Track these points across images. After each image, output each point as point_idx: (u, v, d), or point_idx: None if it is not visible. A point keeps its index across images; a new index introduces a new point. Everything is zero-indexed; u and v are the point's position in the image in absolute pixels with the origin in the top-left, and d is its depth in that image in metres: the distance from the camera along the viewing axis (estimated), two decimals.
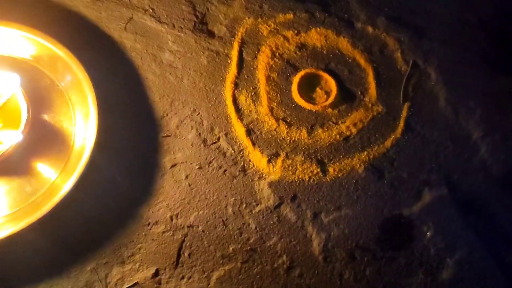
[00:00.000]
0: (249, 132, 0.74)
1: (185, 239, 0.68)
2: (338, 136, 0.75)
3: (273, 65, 0.78)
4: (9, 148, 0.63)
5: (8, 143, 0.63)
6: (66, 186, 0.64)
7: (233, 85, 0.76)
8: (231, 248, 0.69)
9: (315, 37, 0.80)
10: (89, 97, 0.69)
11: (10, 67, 0.71)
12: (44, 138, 0.70)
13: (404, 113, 0.77)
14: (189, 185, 0.71)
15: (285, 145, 0.74)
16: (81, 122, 0.70)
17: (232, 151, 0.73)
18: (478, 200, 0.74)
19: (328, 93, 0.77)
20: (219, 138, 0.73)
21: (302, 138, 0.75)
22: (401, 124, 0.77)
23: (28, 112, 0.65)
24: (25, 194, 0.67)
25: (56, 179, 0.67)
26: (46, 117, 0.71)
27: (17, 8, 0.76)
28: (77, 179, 0.64)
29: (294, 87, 0.77)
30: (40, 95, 0.71)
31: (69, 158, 0.69)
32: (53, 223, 0.65)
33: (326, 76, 0.78)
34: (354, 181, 0.73)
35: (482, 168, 0.75)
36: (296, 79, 0.77)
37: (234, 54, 0.78)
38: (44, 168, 0.68)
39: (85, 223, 0.67)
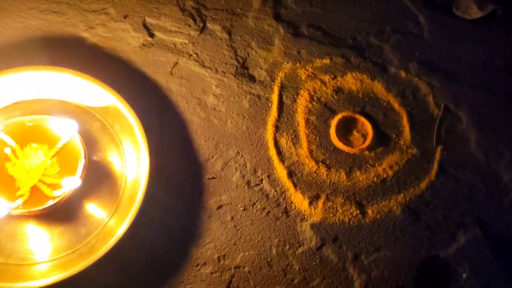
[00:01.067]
0: (290, 174, 0.77)
1: (232, 280, 0.71)
2: (375, 179, 0.78)
3: (312, 109, 0.82)
4: (68, 193, 0.66)
5: (67, 188, 0.66)
6: (120, 229, 0.67)
7: (274, 128, 0.80)
8: None
9: (351, 81, 0.84)
10: (140, 141, 0.72)
11: (63, 112, 0.74)
12: (96, 180, 0.72)
13: (437, 156, 0.81)
14: (235, 226, 0.74)
15: (325, 187, 0.77)
16: (132, 165, 0.73)
17: (275, 193, 0.76)
18: (510, 241, 0.77)
19: (364, 136, 0.81)
20: (262, 180, 0.76)
21: (341, 180, 0.78)
22: (435, 166, 0.80)
23: (85, 158, 0.68)
24: (79, 236, 0.69)
25: (109, 221, 0.70)
26: (97, 159, 0.74)
27: (70, 54, 0.79)
28: (131, 223, 0.67)
29: (332, 130, 0.80)
30: (92, 138, 0.75)
31: (121, 200, 0.72)
32: (106, 265, 0.68)
33: (362, 119, 0.81)
34: (392, 222, 0.76)
35: None
36: (334, 122, 0.80)
37: (275, 97, 0.81)
38: (97, 210, 0.71)
39: (136, 264, 0.70)
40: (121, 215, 0.70)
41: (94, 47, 0.81)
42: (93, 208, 0.71)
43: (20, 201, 0.66)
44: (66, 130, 0.69)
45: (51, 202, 0.65)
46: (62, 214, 0.70)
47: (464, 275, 0.74)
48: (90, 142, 0.74)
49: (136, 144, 0.73)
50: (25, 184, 0.67)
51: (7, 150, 0.68)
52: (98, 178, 0.73)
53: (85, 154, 0.69)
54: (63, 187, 0.67)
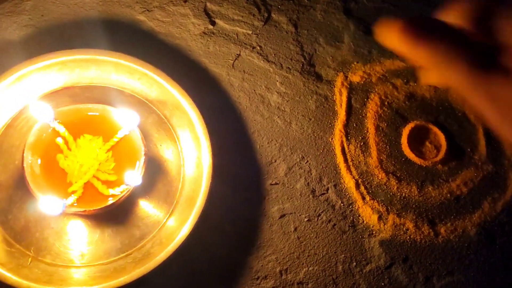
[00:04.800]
0: (358, 185, 0.71)
1: None
2: (449, 195, 0.72)
3: (382, 114, 0.75)
4: (128, 191, 0.60)
5: (127, 186, 0.60)
6: (180, 235, 0.61)
7: (341, 133, 0.73)
8: None
9: (425, 87, 0.77)
10: (202, 139, 0.66)
11: (117, 101, 0.68)
12: (151, 178, 0.66)
13: None
14: (298, 238, 0.68)
15: (396, 202, 0.71)
16: (190, 164, 0.67)
17: (341, 204, 0.70)
18: None
19: (438, 148, 0.75)
20: (328, 189, 0.71)
21: (413, 195, 0.72)
22: (511, 186, 0.74)
23: (145, 154, 0.62)
24: (133, 238, 0.63)
25: (165, 224, 0.64)
26: (152, 155, 0.68)
27: (124, 38, 0.72)
28: (190, 230, 0.61)
29: (404, 140, 0.74)
30: (147, 132, 0.68)
31: (178, 202, 0.66)
32: (161, 271, 0.62)
33: (435, 129, 0.75)
34: (466, 244, 0.70)
35: None
36: (405, 131, 0.74)
37: (343, 100, 0.75)
38: (152, 211, 0.65)
39: (192, 275, 0.64)
40: (179, 218, 0.64)
41: (151, 31, 0.74)
42: (147, 209, 0.65)
43: (73, 198, 0.60)
44: (126, 123, 0.63)
45: (110, 201, 0.59)
46: (114, 213, 0.64)
47: None
48: (145, 137, 0.67)
49: (197, 142, 0.66)
50: (78, 179, 0.61)
51: (59, 141, 0.62)
52: (153, 176, 0.67)
53: (145, 151, 0.62)
54: (121, 185, 0.60)
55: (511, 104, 0.32)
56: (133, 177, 0.60)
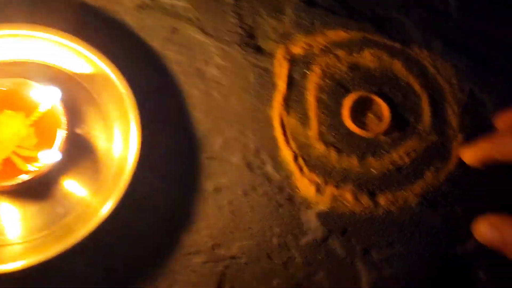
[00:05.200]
0: (296, 157, 0.69)
1: (227, 271, 0.64)
2: (390, 166, 0.71)
3: (324, 86, 0.73)
4: (45, 167, 0.58)
5: (45, 161, 0.58)
6: (104, 209, 0.59)
7: (281, 106, 0.71)
8: (275, 282, 0.64)
9: (368, 58, 0.75)
10: (130, 114, 0.64)
11: (44, 76, 0.66)
12: (78, 155, 0.64)
13: (458, 144, 0.73)
14: (233, 212, 0.66)
15: (335, 173, 0.69)
16: (119, 140, 0.65)
17: (279, 177, 0.68)
18: None
19: (380, 119, 0.73)
20: (265, 162, 0.69)
21: (353, 166, 0.70)
22: (455, 155, 0.72)
23: (67, 129, 0.60)
24: (56, 216, 0.61)
25: (91, 200, 0.63)
26: (80, 132, 0.66)
27: (53, 12, 0.70)
28: (116, 204, 0.59)
29: (345, 111, 0.72)
30: (75, 108, 0.66)
31: (105, 178, 0.64)
32: (85, 250, 0.60)
33: (378, 100, 0.73)
34: (407, 216, 0.68)
35: None
36: (347, 102, 0.72)
37: (283, 72, 0.73)
38: (77, 188, 0.63)
39: (120, 249, 0.62)
40: (104, 195, 0.62)
41: (82, 5, 0.72)
42: (72, 186, 0.63)
43: None
44: (47, 98, 0.61)
45: (25, 177, 0.57)
46: (37, 191, 0.62)
47: (482, 276, 0.67)
48: (73, 113, 0.65)
49: (126, 117, 0.64)
50: None
51: None
52: (80, 153, 0.65)
53: (67, 125, 0.60)
54: (40, 160, 0.59)
55: None
56: (51, 153, 0.58)
